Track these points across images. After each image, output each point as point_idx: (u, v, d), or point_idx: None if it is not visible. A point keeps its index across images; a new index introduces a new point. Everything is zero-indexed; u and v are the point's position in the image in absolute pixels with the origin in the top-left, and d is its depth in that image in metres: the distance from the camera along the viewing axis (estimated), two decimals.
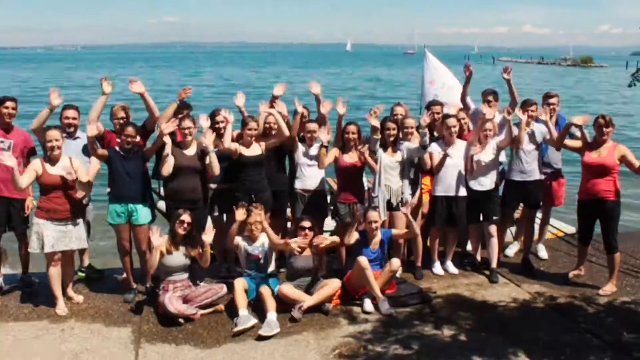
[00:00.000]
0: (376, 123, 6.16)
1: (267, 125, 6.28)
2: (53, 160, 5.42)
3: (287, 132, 6.08)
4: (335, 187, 6.94)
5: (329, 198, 6.82)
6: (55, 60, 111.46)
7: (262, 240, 5.77)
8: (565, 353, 4.78)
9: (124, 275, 6.07)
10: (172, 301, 5.26)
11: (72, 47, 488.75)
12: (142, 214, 5.71)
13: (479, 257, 6.76)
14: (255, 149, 6.10)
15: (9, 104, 5.83)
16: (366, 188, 6.63)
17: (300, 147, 6.28)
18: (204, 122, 6.01)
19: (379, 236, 5.87)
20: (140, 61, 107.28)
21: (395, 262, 5.70)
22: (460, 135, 6.44)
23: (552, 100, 6.61)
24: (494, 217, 6.43)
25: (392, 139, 6.15)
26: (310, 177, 6.28)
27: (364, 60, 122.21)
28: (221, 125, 6.06)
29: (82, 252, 6.32)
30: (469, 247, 6.99)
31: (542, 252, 7.13)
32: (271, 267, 5.85)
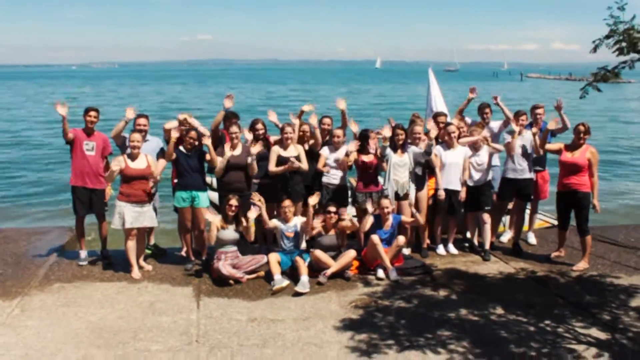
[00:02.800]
0: (387, 133, 7.44)
1: (301, 134, 7.69)
2: (133, 157, 6.93)
3: (320, 141, 7.57)
4: (355, 183, 8.30)
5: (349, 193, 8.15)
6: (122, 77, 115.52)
7: (295, 222, 7.13)
8: (535, 309, 6.01)
9: (185, 249, 7.52)
10: (225, 266, 6.68)
11: (110, 65, 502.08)
12: (203, 199, 7.19)
13: (476, 241, 8.04)
14: (292, 151, 7.46)
15: (92, 113, 7.31)
16: (381, 183, 7.96)
17: (328, 150, 7.65)
18: (247, 134, 7.38)
19: (390, 220, 7.19)
20: (179, 78, 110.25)
21: (401, 238, 7.02)
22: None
23: (538, 111, 7.94)
24: (487, 207, 7.71)
25: (400, 142, 7.48)
26: (334, 174, 7.61)
27: (399, 78, 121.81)
28: (260, 132, 7.46)
29: (149, 232, 7.79)
30: (468, 235, 8.26)
31: (532, 238, 8.38)
32: (303, 245, 7.22)
